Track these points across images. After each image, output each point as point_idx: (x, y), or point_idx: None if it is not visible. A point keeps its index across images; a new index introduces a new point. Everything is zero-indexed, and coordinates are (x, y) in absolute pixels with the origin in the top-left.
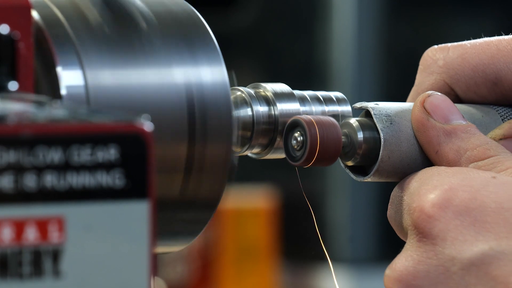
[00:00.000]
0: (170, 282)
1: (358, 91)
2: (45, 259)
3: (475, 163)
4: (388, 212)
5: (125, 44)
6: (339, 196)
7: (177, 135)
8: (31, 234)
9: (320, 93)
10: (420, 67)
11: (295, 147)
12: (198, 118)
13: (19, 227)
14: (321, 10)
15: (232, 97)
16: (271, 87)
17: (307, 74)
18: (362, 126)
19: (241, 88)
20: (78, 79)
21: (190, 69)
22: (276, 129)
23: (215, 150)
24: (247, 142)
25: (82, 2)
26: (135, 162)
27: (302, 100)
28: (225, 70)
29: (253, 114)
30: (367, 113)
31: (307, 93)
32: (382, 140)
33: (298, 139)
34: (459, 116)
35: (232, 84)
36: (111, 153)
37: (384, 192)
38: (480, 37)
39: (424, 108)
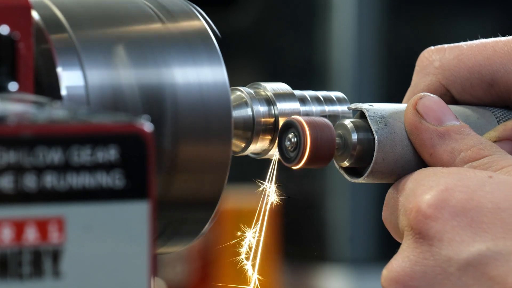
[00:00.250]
0: (170, 282)
1: (358, 91)
2: (45, 259)
3: (470, 163)
4: (383, 214)
5: (125, 44)
6: (339, 196)
7: (177, 134)
8: (31, 235)
9: (320, 93)
10: (417, 68)
11: (289, 148)
12: (198, 118)
13: (19, 227)
14: (321, 10)
15: (232, 97)
16: (271, 87)
17: (307, 74)
18: (357, 128)
19: (241, 88)
20: (78, 80)
21: (190, 69)
22: (276, 129)
23: (215, 150)
24: (247, 142)
25: (82, 2)
26: (135, 163)
27: (302, 100)
28: (225, 70)
29: (253, 114)
30: (362, 114)
31: (307, 93)
32: (376, 141)
33: (292, 140)
34: (452, 117)
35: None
36: (111, 154)
37: (384, 193)
38: (480, 37)
39: (417, 110)
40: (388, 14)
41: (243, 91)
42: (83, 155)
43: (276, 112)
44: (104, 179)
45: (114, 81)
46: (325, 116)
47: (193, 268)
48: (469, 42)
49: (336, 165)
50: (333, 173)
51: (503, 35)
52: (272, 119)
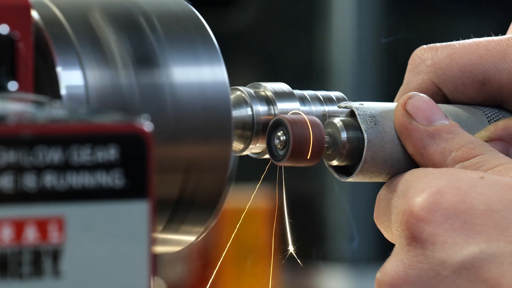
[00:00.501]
0: (170, 282)
1: (358, 91)
2: (45, 259)
3: (461, 163)
4: (375, 213)
5: (126, 44)
6: (339, 196)
7: (177, 134)
8: (31, 234)
9: (320, 93)
10: (409, 66)
11: (278, 146)
12: (198, 118)
13: (19, 227)
14: (321, 10)
15: (232, 96)
16: (271, 87)
17: (307, 74)
18: (346, 126)
19: (241, 87)
20: (78, 79)
21: (190, 69)
22: None
23: (215, 150)
24: (247, 142)
25: (82, 2)
26: (135, 162)
27: (302, 100)
28: (225, 70)
29: (253, 114)
30: (352, 113)
31: (307, 93)
32: (365, 140)
33: (281, 138)
34: (441, 116)
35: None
36: (110, 153)
37: None
38: (480, 36)
39: (406, 110)
40: (388, 14)
41: (243, 91)
42: (83, 154)
43: (276, 112)
44: (104, 179)
45: (114, 81)
46: (324, 116)
47: (193, 268)
48: (461, 41)
49: (326, 163)
50: None
51: (504, 35)
52: (272, 119)
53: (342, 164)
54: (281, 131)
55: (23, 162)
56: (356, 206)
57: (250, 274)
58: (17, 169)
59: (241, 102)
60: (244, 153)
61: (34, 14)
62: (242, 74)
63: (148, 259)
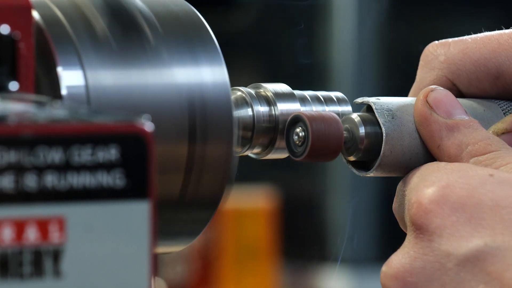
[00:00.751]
0: (170, 282)
1: (358, 91)
2: (45, 259)
3: (476, 157)
4: (393, 205)
5: (126, 44)
6: (339, 196)
7: (177, 135)
8: (31, 234)
9: (320, 93)
10: (421, 62)
11: (297, 142)
12: (198, 119)
13: (19, 227)
14: (321, 10)
15: (232, 97)
16: (271, 87)
17: (307, 74)
18: (364, 121)
19: (241, 88)
20: (79, 79)
21: (190, 69)
22: (277, 129)
23: (215, 150)
24: (247, 142)
25: (83, 2)
26: (136, 162)
27: (303, 100)
28: (225, 70)
29: (253, 114)
30: (369, 108)
31: (307, 93)
32: (384, 134)
33: (300, 134)
34: (461, 111)
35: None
36: (111, 153)
37: (384, 192)
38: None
39: (427, 102)
40: (388, 14)
41: (244, 91)
42: (83, 154)
43: (277, 112)
44: (104, 179)
45: (114, 81)
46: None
47: (193, 268)
48: (473, 36)
49: (344, 159)
50: (333, 173)
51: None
52: (272, 119)
53: (360, 159)
54: (300, 127)
55: (24, 162)
56: (356, 206)
57: (250, 274)
58: (18, 169)
59: (242, 103)
60: (245, 153)
61: (35, 14)
62: (242, 75)
63: (149, 259)
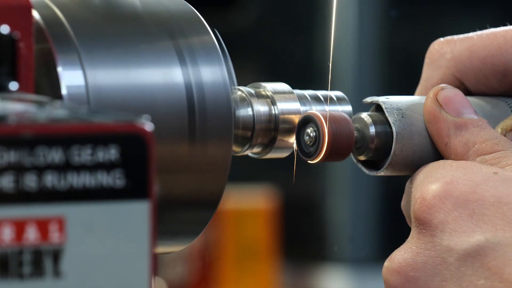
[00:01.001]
0: (170, 282)
1: (358, 91)
2: (45, 259)
3: (482, 156)
4: (402, 202)
5: (126, 44)
6: (339, 196)
7: (177, 134)
8: (31, 234)
9: (320, 93)
10: (427, 60)
11: (308, 142)
12: (198, 118)
13: (19, 227)
14: (321, 10)
15: (232, 96)
16: (271, 87)
17: (307, 74)
18: (374, 121)
19: (241, 87)
20: (79, 79)
21: (190, 69)
22: (277, 128)
23: (215, 150)
24: (247, 142)
25: (83, 2)
26: (136, 162)
27: (302, 100)
28: (225, 70)
29: (253, 114)
30: (378, 108)
31: (307, 93)
32: (394, 133)
33: (311, 134)
34: (471, 110)
35: (232, 83)
36: (111, 153)
37: (384, 192)
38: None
39: (437, 100)
40: (388, 14)
41: (244, 91)
42: (83, 154)
43: (276, 112)
44: (104, 179)
45: (114, 81)
46: None
47: (193, 268)
48: (479, 33)
49: (354, 159)
50: (333, 173)
51: None
52: (272, 119)
53: (371, 158)
54: (311, 128)
55: (24, 162)
56: (356, 206)
57: (250, 274)
58: (18, 169)
59: (242, 102)
60: (245, 153)
61: (35, 14)
62: (242, 74)
63: (149, 259)
